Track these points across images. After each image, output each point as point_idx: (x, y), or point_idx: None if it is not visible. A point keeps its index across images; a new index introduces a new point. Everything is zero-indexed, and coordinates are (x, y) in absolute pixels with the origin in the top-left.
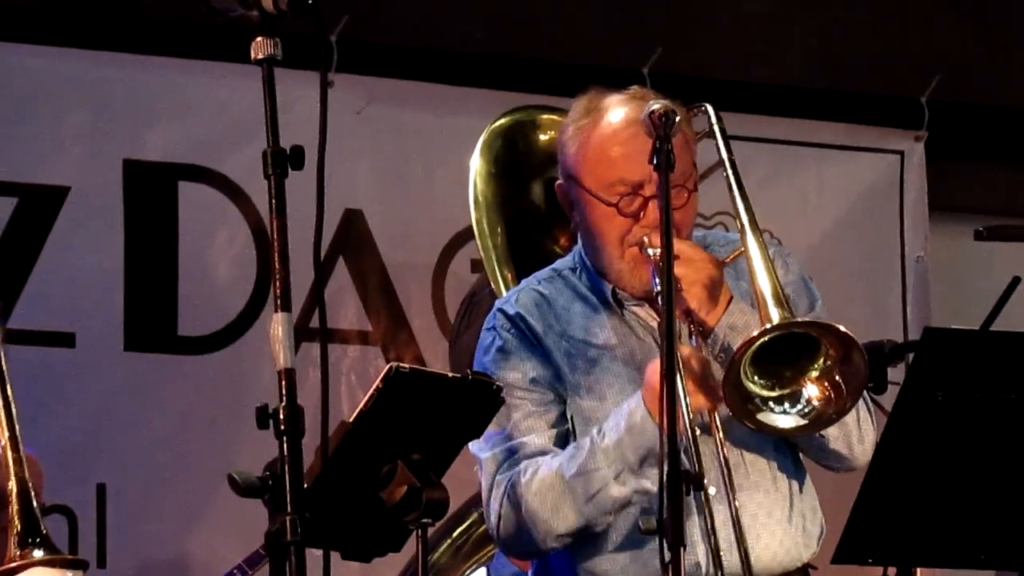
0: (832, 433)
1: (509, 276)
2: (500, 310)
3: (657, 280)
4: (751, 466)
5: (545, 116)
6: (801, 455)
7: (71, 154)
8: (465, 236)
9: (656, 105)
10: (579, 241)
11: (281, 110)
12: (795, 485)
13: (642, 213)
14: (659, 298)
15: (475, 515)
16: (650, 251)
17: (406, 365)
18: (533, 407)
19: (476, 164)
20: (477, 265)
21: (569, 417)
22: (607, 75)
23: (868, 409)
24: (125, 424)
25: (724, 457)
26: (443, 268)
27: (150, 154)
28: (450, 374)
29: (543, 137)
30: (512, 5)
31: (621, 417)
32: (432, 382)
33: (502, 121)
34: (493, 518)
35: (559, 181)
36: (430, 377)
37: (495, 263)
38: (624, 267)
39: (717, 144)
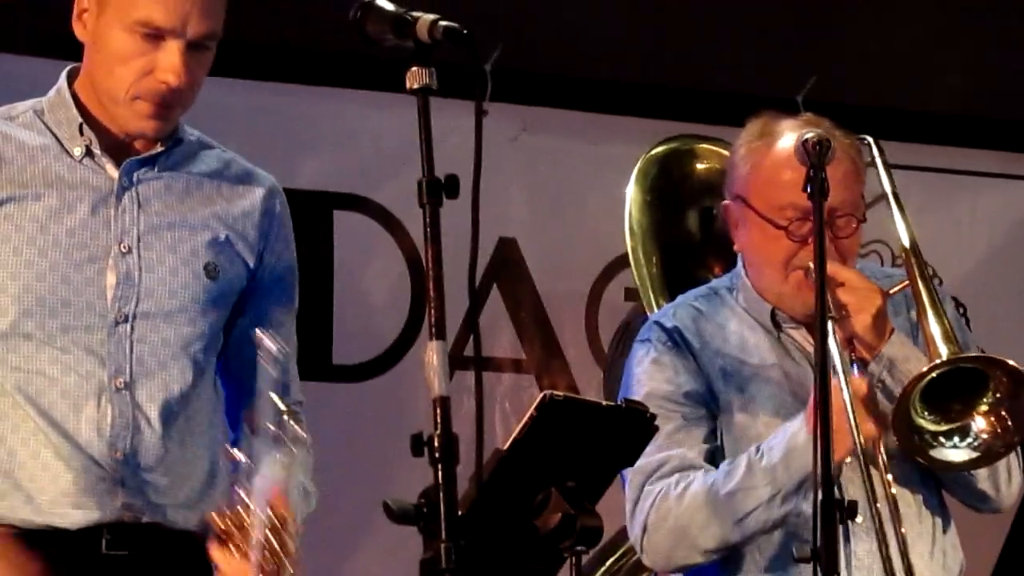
0: (981, 473)
1: (664, 304)
2: (657, 323)
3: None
4: (899, 499)
5: (701, 145)
6: (945, 493)
7: None
8: (619, 264)
9: (810, 134)
10: (739, 261)
11: (436, 139)
12: (939, 521)
13: (810, 239)
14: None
15: (629, 543)
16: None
17: (560, 393)
18: (684, 420)
19: (631, 192)
20: (631, 293)
21: (718, 434)
22: (760, 103)
23: (1016, 452)
24: None
25: (889, 488)
26: (597, 296)
27: (305, 183)
28: (604, 402)
29: (699, 166)
30: (666, 34)
31: (783, 438)
32: (586, 410)
33: (658, 149)
34: (638, 529)
35: (726, 200)
36: (584, 405)
37: (650, 292)
38: (787, 290)
39: (880, 177)
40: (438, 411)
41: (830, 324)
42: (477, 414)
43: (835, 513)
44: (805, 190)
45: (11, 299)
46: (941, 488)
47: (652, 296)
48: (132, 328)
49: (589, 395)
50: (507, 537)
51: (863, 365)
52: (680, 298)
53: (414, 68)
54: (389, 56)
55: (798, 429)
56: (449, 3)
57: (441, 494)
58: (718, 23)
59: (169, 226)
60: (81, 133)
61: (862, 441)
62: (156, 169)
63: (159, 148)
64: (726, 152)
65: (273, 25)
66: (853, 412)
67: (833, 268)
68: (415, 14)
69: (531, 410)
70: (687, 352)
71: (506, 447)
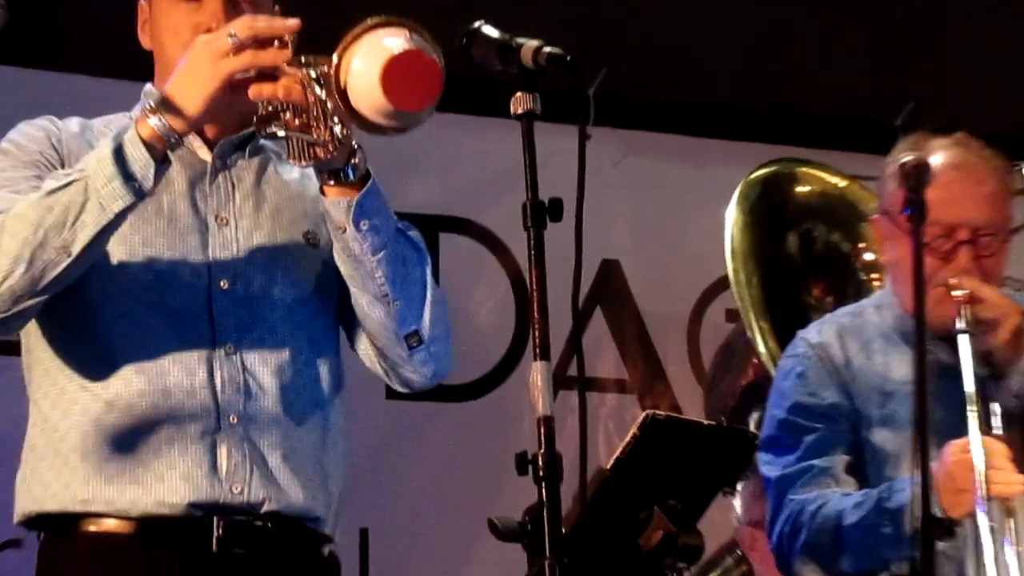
0: None
1: (765, 326)
2: (804, 338)
3: (959, 320)
4: None
5: (801, 169)
6: None
7: None
8: (720, 286)
9: (909, 156)
10: (885, 281)
11: (540, 163)
12: None
13: (952, 256)
14: (959, 337)
15: (729, 561)
16: (956, 292)
17: (662, 413)
18: (827, 432)
19: (732, 215)
20: (732, 314)
21: (860, 447)
22: (860, 127)
23: None
24: (387, 470)
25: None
26: (698, 317)
27: (412, 206)
28: (706, 422)
29: (799, 189)
30: (765, 59)
31: (911, 485)
32: (688, 430)
33: (759, 172)
34: (775, 537)
35: (875, 216)
36: (686, 425)
37: (751, 313)
38: (928, 305)
39: None
40: (542, 430)
41: (967, 338)
42: (581, 433)
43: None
44: (903, 211)
45: (117, 270)
46: None
47: (753, 317)
48: (234, 296)
49: (691, 415)
50: (610, 554)
51: (998, 380)
52: (828, 316)
53: (519, 93)
54: (495, 81)
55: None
56: (552, 29)
57: (545, 512)
58: (820, 48)
59: (265, 199)
60: None
61: (986, 499)
62: (247, 148)
63: (249, 129)
64: (825, 175)
65: None
66: (985, 473)
67: (973, 284)
68: (520, 40)
69: (634, 429)
70: (831, 367)
71: (609, 466)
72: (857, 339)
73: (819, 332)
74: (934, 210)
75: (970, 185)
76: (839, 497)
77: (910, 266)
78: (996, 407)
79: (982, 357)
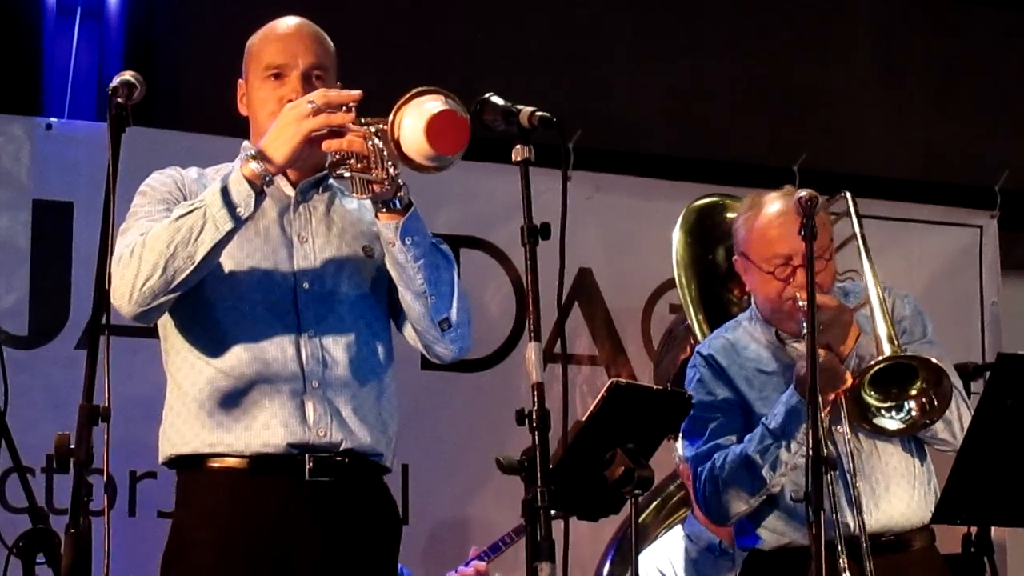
0: (939, 426)
1: (701, 318)
2: (699, 353)
3: (804, 324)
4: (882, 451)
5: (726, 200)
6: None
7: None
8: (666, 287)
9: (803, 192)
10: (752, 299)
11: (533, 197)
12: (917, 463)
13: (792, 278)
14: (806, 335)
15: (671, 488)
16: (800, 303)
17: (624, 380)
18: (724, 419)
19: (676, 235)
20: (675, 308)
21: (751, 425)
22: (766, 172)
23: (967, 406)
24: (422, 422)
25: (849, 442)
26: (650, 310)
27: (440, 227)
28: (656, 387)
29: (726, 215)
30: (696, 119)
31: (783, 405)
32: (643, 393)
33: (697, 203)
34: (699, 498)
35: (735, 256)
36: (641, 389)
37: (690, 307)
38: (783, 316)
39: (852, 222)
40: (535, 393)
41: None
42: (563, 395)
43: (821, 465)
44: (800, 233)
45: (228, 276)
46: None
47: (692, 310)
48: (312, 294)
49: (644, 381)
50: (585, 484)
51: (841, 362)
52: (716, 331)
53: (518, 146)
54: (499, 138)
55: (790, 395)
56: (542, 98)
57: (538, 453)
58: (735, 110)
59: (333, 223)
60: None
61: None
62: (320, 186)
63: (322, 173)
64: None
65: None
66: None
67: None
68: (518, 107)
69: (602, 392)
70: (719, 370)
71: (584, 419)
72: (737, 345)
73: (709, 345)
74: (774, 246)
75: (798, 223)
76: (735, 447)
77: (762, 289)
78: None
79: (827, 347)
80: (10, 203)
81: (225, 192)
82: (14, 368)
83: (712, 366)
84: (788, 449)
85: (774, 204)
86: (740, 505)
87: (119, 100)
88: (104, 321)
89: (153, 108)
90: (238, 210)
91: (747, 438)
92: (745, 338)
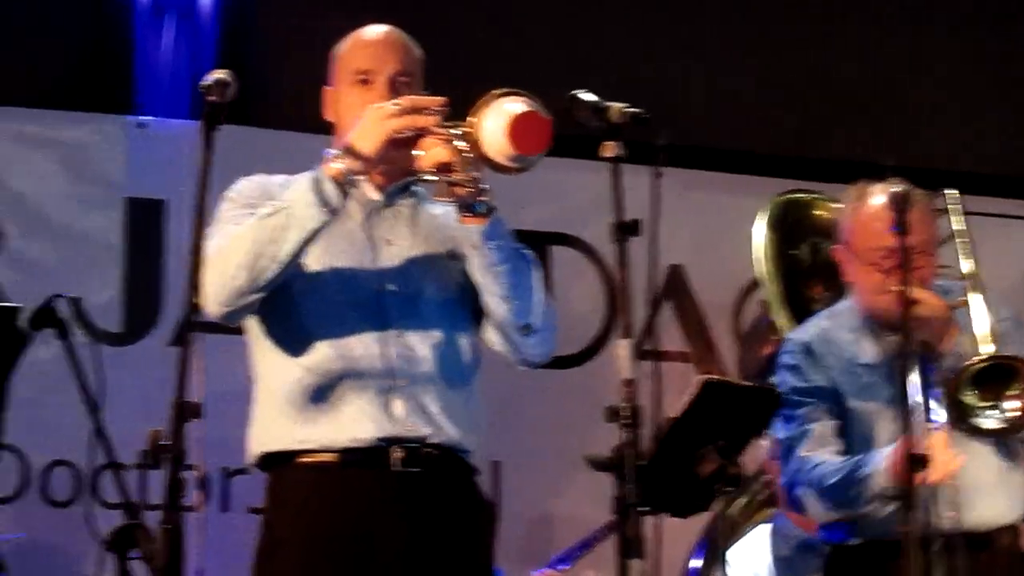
0: None
1: (785, 313)
2: (792, 339)
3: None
4: (973, 450)
5: (809, 197)
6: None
7: None
8: (757, 283)
9: (897, 188)
10: (850, 289)
11: (624, 194)
12: (1008, 462)
13: (894, 270)
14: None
15: (758, 485)
16: None
17: (715, 376)
18: (817, 405)
19: (761, 231)
20: (767, 306)
21: (843, 414)
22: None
23: None
24: (515, 418)
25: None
26: (740, 307)
27: (531, 225)
28: (746, 383)
29: (809, 212)
30: (788, 114)
31: (881, 459)
32: (733, 389)
33: (779, 199)
34: (784, 480)
35: (837, 246)
36: (732, 386)
37: (775, 304)
38: (881, 308)
39: (951, 219)
40: (626, 389)
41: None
42: (654, 392)
43: (913, 463)
44: (892, 231)
45: (313, 277)
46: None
47: (777, 307)
48: (398, 296)
49: (734, 378)
50: (675, 480)
51: (936, 360)
52: (812, 319)
53: (608, 142)
54: (588, 135)
55: (883, 459)
56: (632, 94)
57: (628, 449)
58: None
59: (418, 227)
60: None
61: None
62: (405, 192)
63: (407, 179)
64: (829, 203)
65: None
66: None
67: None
68: (608, 103)
69: (693, 389)
70: (814, 357)
71: (675, 416)
72: (833, 334)
73: (805, 332)
74: (876, 239)
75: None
76: (830, 459)
77: (863, 280)
78: (935, 399)
79: (922, 344)
80: (104, 201)
81: (309, 192)
82: (108, 365)
83: (809, 353)
84: (873, 503)
85: (880, 196)
86: (828, 514)
87: (212, 98)
88: (196, 318)
89: (246, 106)
90: (322, 210)
91: (836, 463)
92: (841, 329)
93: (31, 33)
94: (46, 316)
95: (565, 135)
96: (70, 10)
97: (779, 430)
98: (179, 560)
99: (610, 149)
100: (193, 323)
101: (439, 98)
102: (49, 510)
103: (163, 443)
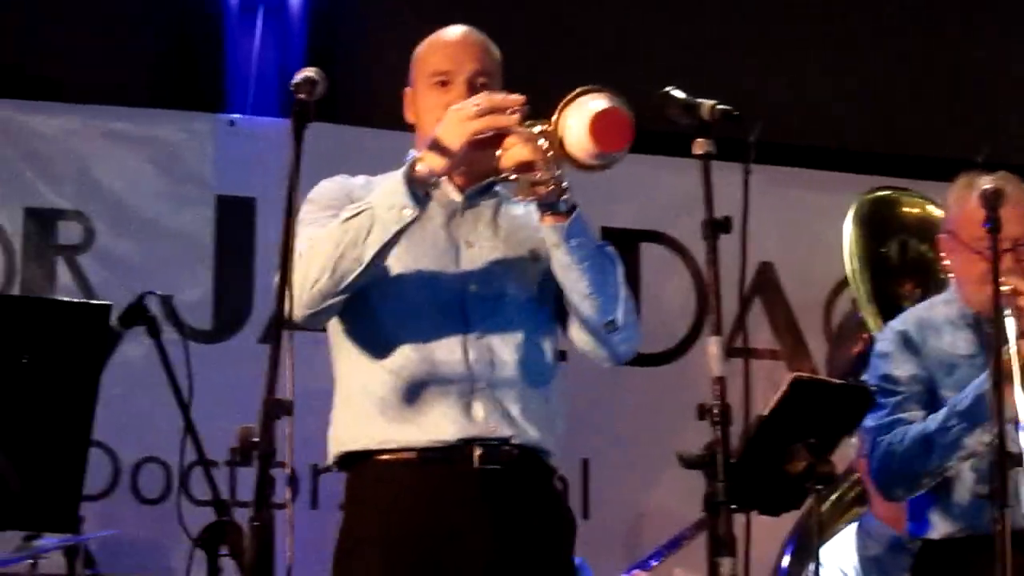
0: None
1: (874, 311)
2: (890, 327)
3: (1007, 307)
4: None
5: (900, 195)
6: None
7: None
8: (848, 281)
9: (988, 184)
10: (951, 280)
11: (714, 191)
12: None
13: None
14: (1007, 319)
15: (848, 483)
16: (1003, 288)
17: (805, 374)
18: (910, 395)
19: (849, 227)
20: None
21: (936, 407)
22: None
23: None
24: (604, 416)
25: None
26: (831, 304)
27: (620, 223)
28: (837, 381)
29: (898, 209)
30: (876, 111)
31: (973, 388)
32: (824, 387)
33: (869, 196)
34: (873, 471)
35: (941, 234)
36: (822, 383)
37: (863, 300)
38: (983, 298)
39: None
40: (717, 387)
41: (1013, 320)
42: (744, 390)
43: (1006, 461)
44: (983, 225)
45: (395, 280)
46: None
47: (865, 303)
48: (480, 296)
49: (825, 376)
50: (765, 478)
51: None
52: (910, 309)
53: (698, 139)
54: (681, 131)
55: (983, 381)
56: (719, 91)
57: (718, 447)
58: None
59: (500, 227)
60: None
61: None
62: (487, 193)
63: (488, 180)
64: (919, 200)
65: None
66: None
67: (1013, 281)
68: (699, 100)
69: (784, 387)
70: (911, 347)
71: (766, 414)
72: (930, 326)
73: (902, 322)
74: (982, 229)
75: (1010, 207)
76: (918, 424)
77: (966, 269)
78: None
79: (1022, 335)
80: (194, 199)
81: (391, 194)
82: (198, 362)
83: (905, 341)
84: (971, 433)
85: (988, 186)
86: (913, 482)
87: (301, 96)
88: (287, 315)
89: (335, 104)
90: (405, 211)
91: (931, 417)
92: (940, 319)
93: (121, 32)
94: (136, 314)
95: (656, 132)
96: (160, 9)
97: (868, 418)
98: (268, 557)
99: (701, 146)
100: (283, 320)
101: (519, 96)
102: (139, 507)
103: (253, 440)
